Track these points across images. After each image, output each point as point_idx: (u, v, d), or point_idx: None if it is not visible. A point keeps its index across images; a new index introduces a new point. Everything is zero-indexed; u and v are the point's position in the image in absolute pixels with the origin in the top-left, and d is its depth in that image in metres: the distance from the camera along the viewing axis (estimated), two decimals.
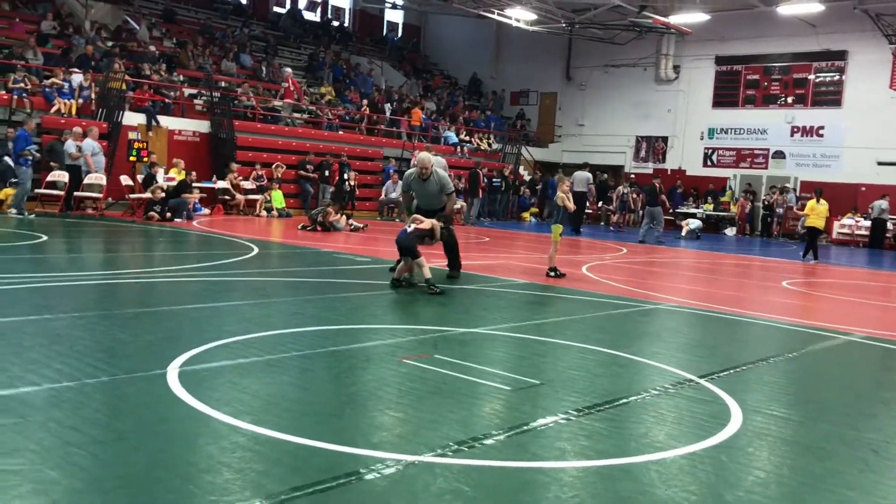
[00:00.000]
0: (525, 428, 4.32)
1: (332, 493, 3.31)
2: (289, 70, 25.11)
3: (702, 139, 30.04)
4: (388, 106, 27.89)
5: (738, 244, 23.33)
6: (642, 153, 31.62)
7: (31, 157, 16.12)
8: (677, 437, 4.35)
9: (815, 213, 17.79)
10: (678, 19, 26.80)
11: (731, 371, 6.08)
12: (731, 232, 27.47)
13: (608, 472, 3.78)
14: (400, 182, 22.83)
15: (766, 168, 28.67)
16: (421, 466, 3.66)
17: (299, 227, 17.56)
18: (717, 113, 29.73)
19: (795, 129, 28.00)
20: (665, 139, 31.03)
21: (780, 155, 28.33)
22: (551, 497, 3.44)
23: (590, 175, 25.25)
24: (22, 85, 18.05)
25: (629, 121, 31.57)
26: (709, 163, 29.92)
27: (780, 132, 28.29)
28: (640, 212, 29.42)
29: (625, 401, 5.02)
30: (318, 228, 17.27)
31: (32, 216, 15.66)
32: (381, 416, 4.44)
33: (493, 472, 3.68)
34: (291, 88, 24.24)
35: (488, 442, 4.05)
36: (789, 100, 28.26)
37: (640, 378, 5.83)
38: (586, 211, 26.57)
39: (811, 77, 27.77)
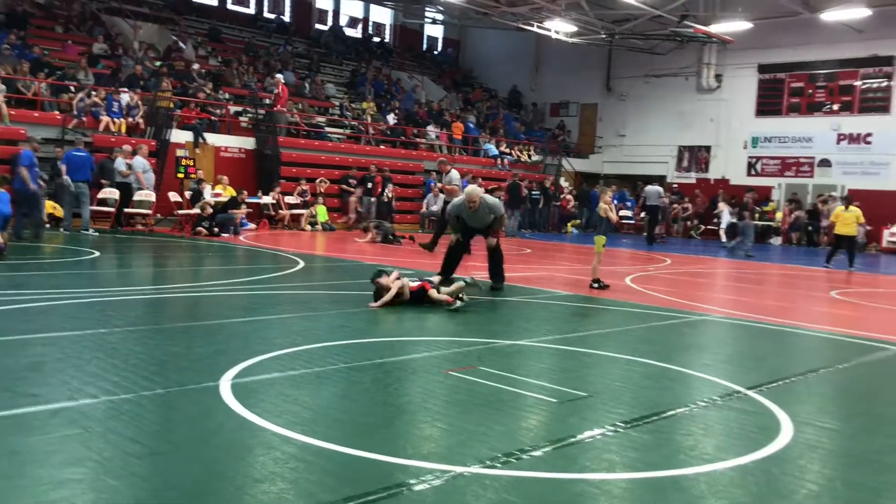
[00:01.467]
0: (572, 440, 4.33)
1: (384, 503, 3.37)
2: (279, 76, 24.08)
3: (745, 148, 29.65)
4: (390, 116, 27.39)
5: (783, 254, 22.94)
6: (685, 163, 31.32)
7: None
8: (726, 449, 4.33)
9: (841, 220, 17.57)
10: (720, 28, 26.53)
11: (780, 382, 6.01)
12: (776, 241, 27.05)
13: (657, 484, 3.78)
14: (441, 195, 23.09)
15: (811, 176, 28.16)
16: (470, 478, 3.70)
17: (377, 240, 18.03)
18: (761, 121, 29.32)
19: (842, 137, 27.47)
20: (708, 148, 30.69)
21: (826, 163, 27.81)
22: None
23: (661, 189, 25.14)
24: (88, 102, 18.59)
25: (671, 130, 31.31)
26: (753, 172, 29.49)
27: (825, 140, 27.78)
28: (686, 223, 29.20)
29: (672, 413, 5.00)
30: (377, 240, 17.79)
31: (97, 234, 16.17)
32: (430, 428, 4.49)
33: (541, 484, 3.70)
34: (283, 96, 23.35)
35: (536, 454, 4.07)
36: (835, 107, 27.75)
37: (688, 390, 5.80)
38: (628, 221, 26.37)
39: (857, 83, 27.26)
